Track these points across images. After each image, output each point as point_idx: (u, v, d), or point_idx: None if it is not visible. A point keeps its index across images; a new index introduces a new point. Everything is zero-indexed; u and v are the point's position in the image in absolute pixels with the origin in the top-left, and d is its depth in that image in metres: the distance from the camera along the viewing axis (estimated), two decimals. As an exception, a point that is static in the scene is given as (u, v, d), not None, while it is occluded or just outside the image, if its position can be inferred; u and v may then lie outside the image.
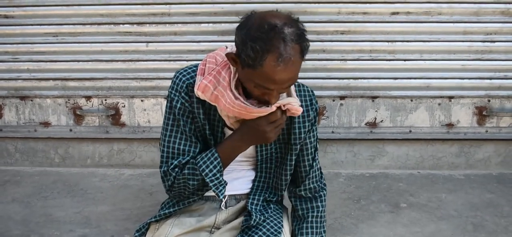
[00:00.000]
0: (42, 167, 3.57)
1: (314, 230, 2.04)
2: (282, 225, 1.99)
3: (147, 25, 3.29)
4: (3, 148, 3.59)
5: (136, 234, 2.07)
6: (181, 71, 1.89)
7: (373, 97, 3.38)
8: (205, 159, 1.83)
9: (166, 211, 1.99)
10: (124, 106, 3.43)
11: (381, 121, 3.42)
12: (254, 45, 1.54)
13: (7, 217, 2.80)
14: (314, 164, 2.04)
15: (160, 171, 1.91)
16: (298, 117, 1.92)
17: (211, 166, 1.82)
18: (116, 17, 3.28)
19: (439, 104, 3.39)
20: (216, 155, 1.83)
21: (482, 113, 3.40)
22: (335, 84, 3.35)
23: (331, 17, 3.24)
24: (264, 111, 1.70)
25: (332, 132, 3.43)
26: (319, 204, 2.07)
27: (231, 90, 1.73)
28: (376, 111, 3.40)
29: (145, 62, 3.34)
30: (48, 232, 2.65)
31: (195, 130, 1.90)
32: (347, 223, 2.73)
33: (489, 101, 3.38)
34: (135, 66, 3.35)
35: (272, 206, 2.06)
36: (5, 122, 3.52)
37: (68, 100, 3.45)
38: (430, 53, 3.30)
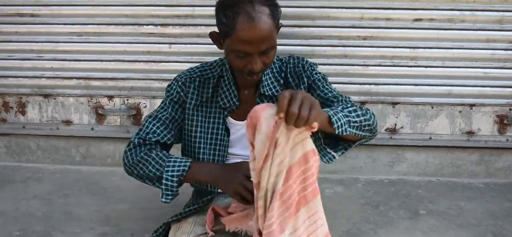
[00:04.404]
0: (63, 164, 3.61)
1: (345, 110, 1.74)
2: None
3: (171, 26, 3.31)
4: (26, 145, 3.63)
5: (154, 235, 2.10)
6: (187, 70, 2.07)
7: (394, 103, 3.37)
8: (178, 160, 1.86)
9: (186, 209, 2.01)
10: (145, 107, 3.46)
11: (401, 127, 3.41)
12: (226, 12, 1.68)
13: (29, 214, 2.83)
14: (335, 93, 1.94)
15: (131, 139, 1.98)
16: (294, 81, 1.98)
17: (176, 168, 1.84)
18: (140, 18, 3.32)
19: (460, 111, 3.38)
20: (188, 164, 1.84)
21: (503, 122, 3.38)
22: (356, 89, 3.34)
23: (354, 23, 3.24)
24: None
25: (352, 137, 3.42)
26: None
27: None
28: (397, 117, 3.40)
29: (167, 63, 3.37)
30: (69, 229, 2.67)
31: (181, 121, 2.02)
32: (365, 228, 2.73)
33: (510, 109, 3.36)
34: (158, 67, 3.38)
35: None
36: (28, 119, 3.57)
37: (91, 99, 3.49)
38: (452, 60, 3.28)
